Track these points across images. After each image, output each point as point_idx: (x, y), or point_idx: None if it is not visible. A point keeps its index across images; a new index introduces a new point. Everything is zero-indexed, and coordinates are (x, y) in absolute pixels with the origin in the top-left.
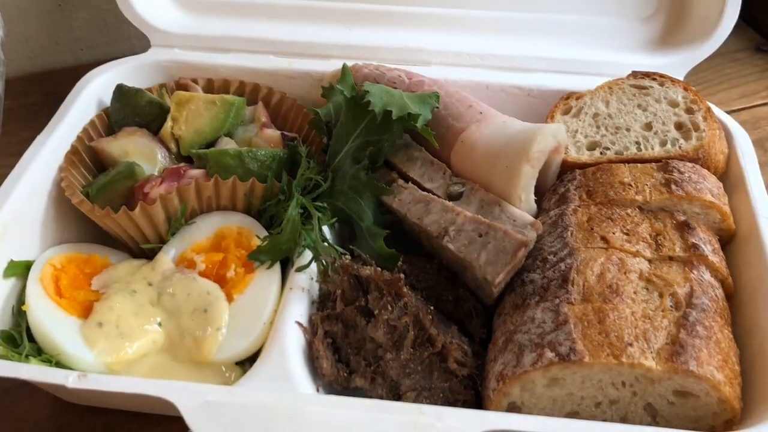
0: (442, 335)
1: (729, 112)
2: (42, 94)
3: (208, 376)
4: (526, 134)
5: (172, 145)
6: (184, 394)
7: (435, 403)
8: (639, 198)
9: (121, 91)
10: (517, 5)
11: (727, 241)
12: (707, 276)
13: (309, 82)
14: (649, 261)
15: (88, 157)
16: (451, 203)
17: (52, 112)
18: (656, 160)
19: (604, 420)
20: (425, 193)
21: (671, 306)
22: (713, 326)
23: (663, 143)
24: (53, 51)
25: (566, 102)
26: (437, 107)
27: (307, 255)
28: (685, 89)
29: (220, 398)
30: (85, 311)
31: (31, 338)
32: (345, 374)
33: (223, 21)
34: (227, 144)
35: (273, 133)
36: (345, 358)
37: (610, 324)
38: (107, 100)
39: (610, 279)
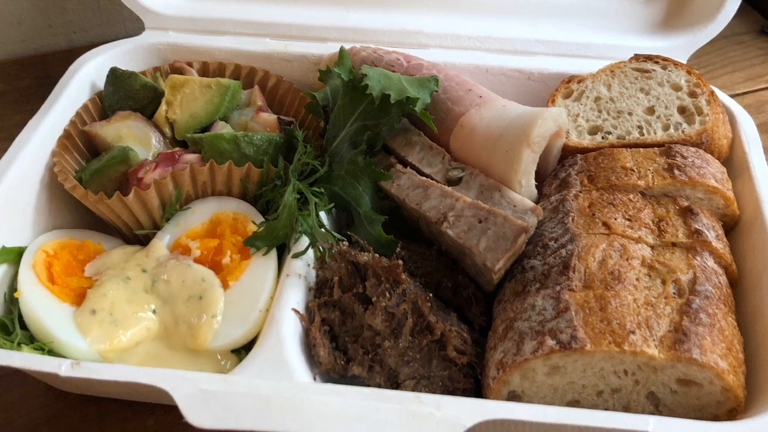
0: (441, 323)
1: (733, 96)
2: (34, 77)
3: (203, 364)
4: (527, 118)
5: (167, 130)
6: (179, 383)
7: (434, 392)
8: (641, 183)
9: (114, 75)
10: None
11: (730, 226)
12: (711, 262)
13: (306, 65)
14: (652, 247)
15: (81, 142)
16: (450, 188)
17: (45, 95)
18: (659, 145)
19: (606, 409)
20: (424, 178)
21: (674, 293)
22: (717, 313)
23: (666, 127)
24: (46, 34)
25: (567, 85)
26: (436, 91)
27: (304, 241)
28: (689, 72)
29: (215, 387)
30: (78, 298)
31: (24, 326)
32: (342, 362)
33: (218, 3)
34: (223, 128)
35: (269, 117)
36: (342, 346)
37: (611, 311)
38: (100, 84)
39: (612, 265)
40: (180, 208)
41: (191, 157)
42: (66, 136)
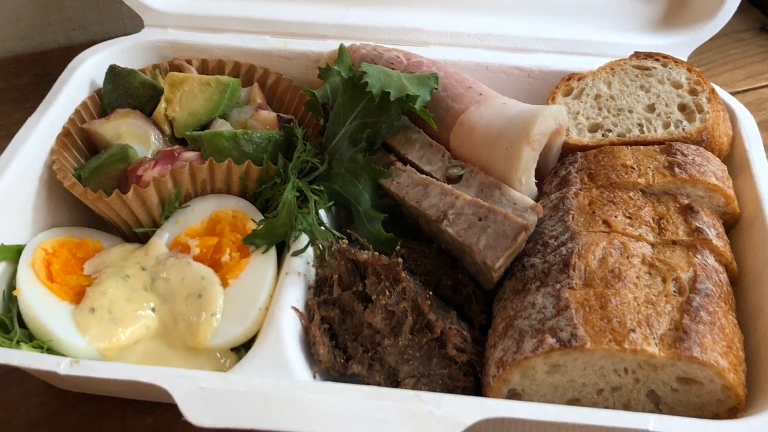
0: (441, 321)
1: (733, 94)
2: (33, 75)
3: (202, 362)
4: (527, 116)
5: (166, 127)
6: (179, 381)
7: (434, 390)
8: (641, 181)
9: (113, 72)
10: None
11: (731, 224)
12: (711, 260)
13: (305, 62)
14: (652, 245)
15: (80, 140)
16: (450, 186)
17: (44, 93)
18: (659, 143)
19: (606, 407)
20: (424, 175)
21: (674, 291)
22: (717, 312)
23: (666, 125)
24: (45, 31)
25: (567, 83)
26: (436, 88)
27: (304, 239)
28: (689, 70)
29: (214, 385)
30: (77, 296)
31: (22, 324)
32: (342, 360)
33: (217, 0)
34: (222, 126)
35: (269, 114)
36: (342, 344)
37: (612, 309)
38: (100, 81)
39: (612, 263)
40: (179, 206)
41: (190, 155)
42: (65, 133)
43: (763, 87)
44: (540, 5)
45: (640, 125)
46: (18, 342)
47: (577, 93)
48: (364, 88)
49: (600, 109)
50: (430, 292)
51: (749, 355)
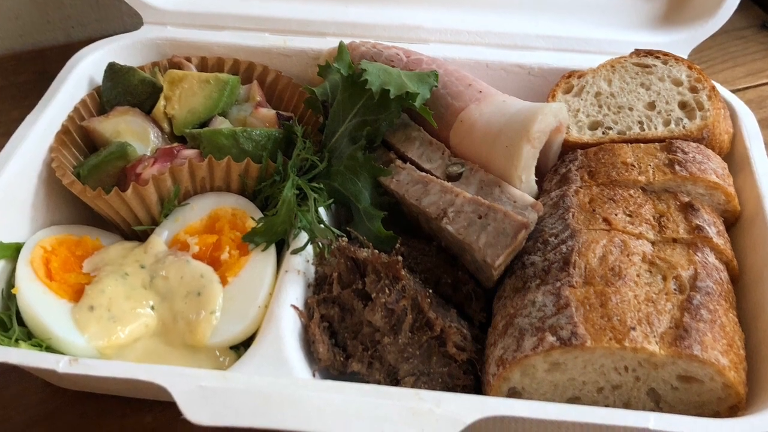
0: (441, 319)
1: (734, 91)
2: (32, 72)
3: (201, 360)
4: (527, 113)
5: (165, 125)
6: (178, 379)
7: (434, 389)
8: (642, 179)
9: (112, 70)
10: None
11: (732, 222)
12: (711, 258)
13: (305, 60)
14: (653, 243)
15: (79, 137)
16: (450, 184)
17: (43, 91)
18: (659, 140)
19: (607, 406)
20: (424, 173)
21: (675, 289)
22: (718, 310)
23: (666, 123)
24: (44, 29)
25: (568, 81)
26: (436, 86)
27: (303, 237)
28: (690, 68)
29: (214, 383)
30: (76, 294)
31: (21, 322)
32: (342, 359)
33: None
34: (221, 123)
35: (268, 112)
36: (342, 343)
37: (612, 307)
38: (99, 79)
39: (613, 261)
40: (178, 203)
41: (190, 153)
42: (64, 131)
43: (763, 84)
44: (540, 3)
45: (641, 123)
46: (17, 340)
47: (577, 90)
48: (364, 86)
49: (600, 106)
50: (430, 290)
51: (750, 353)
